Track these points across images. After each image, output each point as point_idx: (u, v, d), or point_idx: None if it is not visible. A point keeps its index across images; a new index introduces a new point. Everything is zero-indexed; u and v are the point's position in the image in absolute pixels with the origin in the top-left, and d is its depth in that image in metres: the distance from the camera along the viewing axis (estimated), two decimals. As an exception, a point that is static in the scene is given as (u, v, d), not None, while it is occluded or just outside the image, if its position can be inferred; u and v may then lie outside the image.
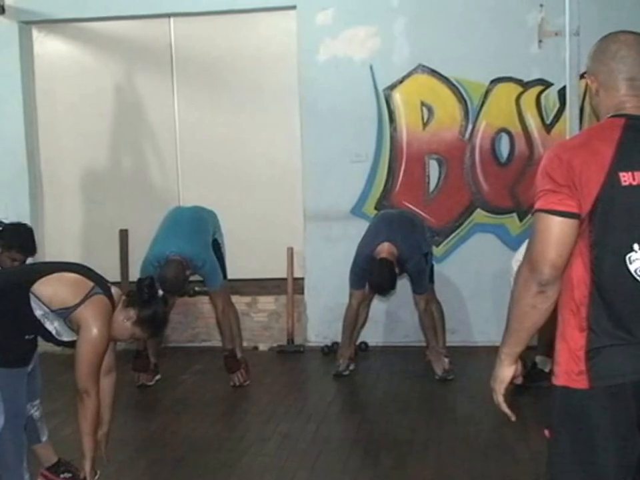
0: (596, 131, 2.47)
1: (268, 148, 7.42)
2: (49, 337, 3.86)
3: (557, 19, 6.61)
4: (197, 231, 6.11)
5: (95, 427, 3.89)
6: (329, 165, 7.17)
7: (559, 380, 2.43)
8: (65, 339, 3.86)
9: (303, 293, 7.38)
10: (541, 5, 6.78)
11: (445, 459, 4.72)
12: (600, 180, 2.31)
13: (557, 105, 6.81)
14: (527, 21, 6.84)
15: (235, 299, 6.67)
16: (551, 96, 6.86)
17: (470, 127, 7.04)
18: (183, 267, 5.80)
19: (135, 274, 7.46)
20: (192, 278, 6.58)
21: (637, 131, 2.39)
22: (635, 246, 2.34)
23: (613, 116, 2.45)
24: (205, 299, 7.23)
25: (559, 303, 2.43)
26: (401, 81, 7.08)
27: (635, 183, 2.33)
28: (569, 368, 2.39)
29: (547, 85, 6.88)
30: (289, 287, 7.32)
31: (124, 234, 7.55)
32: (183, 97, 7.53)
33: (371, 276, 6.01)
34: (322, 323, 7.30)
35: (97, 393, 3.81)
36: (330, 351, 7.06)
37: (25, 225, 5.33)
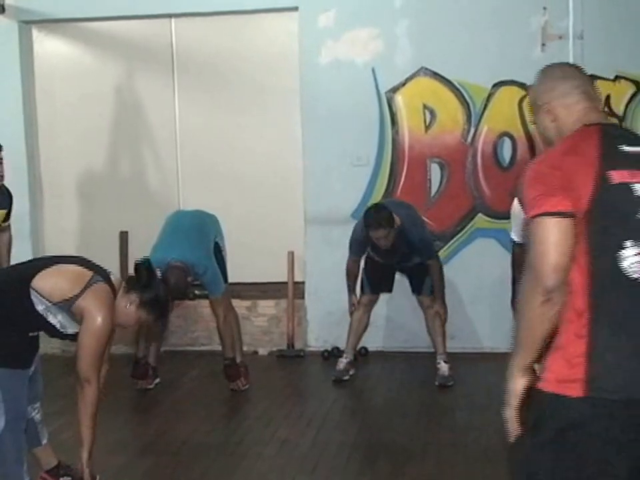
0: (576, 137, 2.48)
1: (269, 150, 7.39)
2: (53, 331, 3.83)
3: (561, 22, 6.60)
4: (199, 237, 6.07)
5: (94, 417, 3.85)
6: (330, 168, 7.13)
7: (548, 386, 2.37)
8: (70, 331, 3.83)
9: (303, 297, 7.35)
10: (545, 8, 6.73)
11: (444, 465, 4.69)
12: (591, 180, 2.33)
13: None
14: (531, 24, 6.80)
15: (235, 302, 6.63)
16: (554, 100, 6.81)
17: (472, 130, 7.00)
18: (184, 273, 5.76)
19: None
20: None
21: (612, 137, 2.45)
22: (627, 243, 2.33)
23: (581, 127, 2.50)
24: (205, 302, 7.16)
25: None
26: (403, 84, 7.04)
27: (622, 181, 2.36)
28: (562, 375, 2.34)
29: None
30: (289, 291, 7.28)
31: (124, 236, 7.52)
32: (184, 98, 7.50)
33: (367, 212, 6.08)
34: (322, 327, 7.26)
35: (97, 382, 3.80)
36: (330, 355, 7.03)
37: None
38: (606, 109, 6.73)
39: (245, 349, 6.65)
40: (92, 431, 3.88)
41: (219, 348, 6.32)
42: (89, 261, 3.97)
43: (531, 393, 2.42)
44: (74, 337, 3.85)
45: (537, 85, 2.67)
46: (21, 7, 7.38)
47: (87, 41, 7.61)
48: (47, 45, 7.64)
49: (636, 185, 2.38)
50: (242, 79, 7.39)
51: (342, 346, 6.83)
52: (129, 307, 3.91)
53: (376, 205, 6.27)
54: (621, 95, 6.81)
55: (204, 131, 7.49)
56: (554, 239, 2.31)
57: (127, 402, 6.09)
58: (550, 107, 2.59)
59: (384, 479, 4.55)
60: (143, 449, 5.12)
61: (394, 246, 6.03)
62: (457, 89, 6.99)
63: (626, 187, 2.36)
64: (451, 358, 6.37)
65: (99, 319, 3.72)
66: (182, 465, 4.80)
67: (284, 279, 7.32)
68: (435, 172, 7.06)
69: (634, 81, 6.79)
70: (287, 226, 7.39)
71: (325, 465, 4.74)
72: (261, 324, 7.39)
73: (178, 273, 5.67)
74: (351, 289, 6.50)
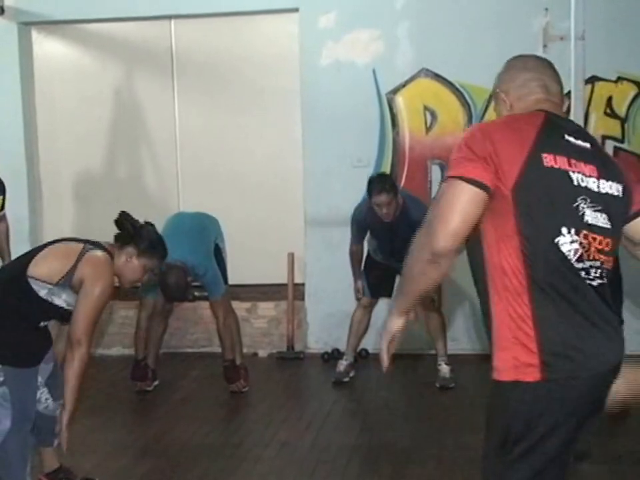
0: (520, 116, 2.52)
1: (269, 152, 7.37)
2: (62, 313, 3.80)
3: (562, 23, 6.54)
4: (200, 239, 6.04)
5: (80, 378, 3.79)
6: (331, 169, 7.11)
7: (506, 375, 2.37)
8: None
9: (303, 299, 7.32)
10: (546, 9, 6.71)
11: (444, 468, 4.67)
12: (522, 157, 2.32)
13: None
14: (532, 25, 6.78)
15: (235, 304, 6.60)
16: (555, 101, 6.79)
17: (473, 132, 6.96)
18: (184, 273, 5.73)
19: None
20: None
21: (557, 126, 2.45)
22: (563, 229, 2.34)
23: (534, 111, 2.52)
24: (205, 304, 7.13)
25: (490, 294, 2.41)
26: (403, 85, 7.02)
27: (556, 166, 2.35)
28: (518, 361, 2.34)
29: (551, 89, 6.80)
30: (289, 293, 7.26)
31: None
32: (183, 99, 7.48)
33: (371, 178, 6.04)
34: (322, 329, 7.24)
35: (88, 346, 3.74)
36: (330, 357, 7.00)
37: None
38: (608, 111, 6.72)
39: (244, 350, 6.63)
40: (75, 391, 3.81)
41: (219, 350, 6.30)
42: (77, 238, 3.97)
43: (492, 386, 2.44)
44: None
45: (500, 73, 2.69)
46: (20, 8, 7.36)
47: (87, 42, 7.60)
48: (46, 47, 7.63)
49: (576, 174, 2.38)
50: (242, 81, 7.37)
51: (342, 348, 6.81)
52: (130, 261, 3.92)
53: (380, 173, 6.38)
54: (622, 96, 6.79)
55: (204, 133, 7.46)
56: (460, 206, 2.29)
57: (126, 404, 6.07)
58: (507, 96, 2.61)
59: (384, 482, 4.53)
60: (142, 451, 5.10)
61: (395, 224, 5.91)
62: (458, 90, 6.97)
63: (563, 174, 2.36)
64: (452, 360, 6.34)
65: (96, 286, 3.71)
66: (181, 467, 4.79)
67: (284, 280, 7.30)
68: (435, 173, 7.03)
69: (636, 82, 6.77)
70: (287, 227, 7.37)
71: (324, 467, 4.71)
72: (260, 326, 7.36)
73: (177, 273, 5.65)
74: (356, 274, 6.49)
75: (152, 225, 4.22)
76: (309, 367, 7.02)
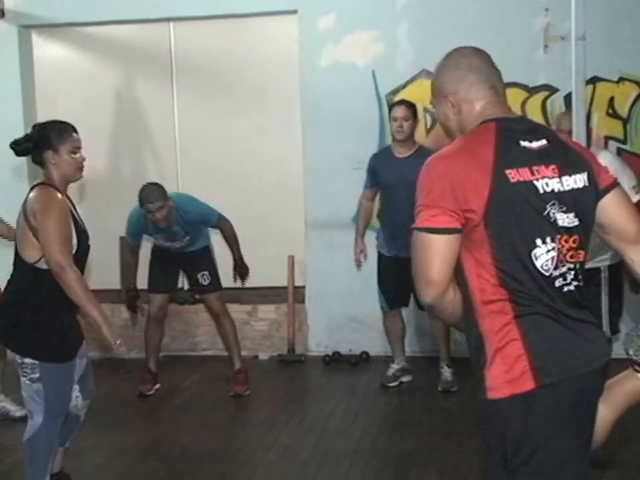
0: (471, 136, 2.46)
1: (269, 154, 7.34)
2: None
3: (563, 23, 6.51)
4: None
5: (88, 294, 3.76)
6: (331, 171, 7.08)
7: (500, 392, 2.39)
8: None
9: (303, 301, 7.29)
10: (547, 10, 6.68)
11: (447, 472, 4.65)
12: (487, 183, 2.29)
13: (563, 111, 6.70)
14: (533, 26, 6.75)
15: (235, 307, 6.59)
16: (556, 102, 6.76)
17: (474, 133, 6.93)
18: (161, 190, 5.85)
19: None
20: (192, 285, 6.51)
21: (509, 131, 2.41)
22: (538, 241, 2.33)
23: (481, 123, 2.46)
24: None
25: (475, 312, 2.40)
26: (404, 86, 6.99)
27: (521, 179, 2.33)
28: (509, 374, 2.35)
29: (552, 90, 6.79)
30: (289, 296, 7.24)
31: (124, 241, 7.45)
32: (183, 102, 7.46)
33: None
34: (323, 332, 7.21)
35: (71, 265, 3.72)
36: (331, 360, 6.98)
37: None
38: (610, 111, 6.69)
39: (245, 353, 6.62)
40: (94, 304, 3.76)
41: (220, 353, 6.30)
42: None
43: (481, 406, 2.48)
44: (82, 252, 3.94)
45: (442, 71, 2.60)
46: (20, 11, 7.35)
47: (87, 45, 7.58)
48: (46, 50, 7.61)
49: (540, 181, 2.36)
50: (242, 83, 7.34)
51: (343, 350, 6.80)
52: (56, 161, 3.90)
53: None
54: (624, 97, 6.75)
55: (204, 135, 7.45)
56: (435, 257, 2.33)
57: (127, 407, 6.05)
58: (455, 99, 2.55)
59: (386, 486, 4.51)
60: (142, 454, 5.09)
61: (411, 161, 5.90)
62: (458, 92, 6.92)
63: (528, 185, 2.34)
64: (455, 363, 6.30)
65: (42, 215, 3.74)
66: (182, 471, 4.79)
67: (284, 283, 7.28)
68: (436, 175, 6.99)
69: (638, 83, 6.73)
70: (288, 230, 7.35)
71: (326, 472, 4.70)
72: (261, 328, 7.34)
73: (151, 186, 5.82)
74: (359, 233, 6.47)
75: (34, 126, 4.12)
76: (310, 369, 7.00)
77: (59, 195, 3.82)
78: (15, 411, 5.60)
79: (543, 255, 2.33)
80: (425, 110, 6.95)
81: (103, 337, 3.80)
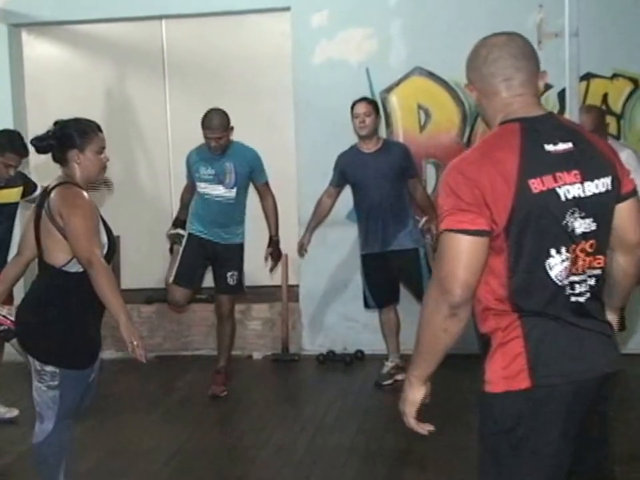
0: (494, 140, 2.40)
1: (262, 151, 7.28)
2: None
3: (557, 19, 6.48)
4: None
5: (114, 289, 3.66)
6: (324, 169, 7.02)
7: (497, 387, 2.40)
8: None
9: (297, 300, 7.27)
10: (540, 6, 6.66)
11: (442, 469, 4.64)
12: (511, 192, 2.26)
13: (557, 108, 6.69)
14: (526, 22, 6.71)
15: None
16: (550, 98, 6.74)
17: (468, 130, 6.94)
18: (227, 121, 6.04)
19: (126, 281, 7.40)
20: (218, 284, 6.35)
21: (534, 133, 2.35)
22: (552, 251, 2.31)
23: (504, 122, 2.41)
24: (198, 307, 7.14)
25: (480, 315, 2.42)
26: (397, 84, 6.98)
27: (544, 189, 2.29)
28: (507, 370, 2.37)
29: (546, 87, 6.74)
30: (283, 294, 7.20)
31: (116, 241, 7.42)
32: (176, 100, 7.45)
33: None
34: (317, 331, 7.19)
35: (99, 260, 3.61)
36: (326, 359, 6.95)
37: (9, 129, 5.47)
38: (603, 107, 6.67)
39: (239, 352, 6.61)
40: (120, 303, 3.64)
41: (213, 352, 6.26)
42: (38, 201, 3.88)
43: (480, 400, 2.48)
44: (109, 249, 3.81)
45: (468, 58, 2.54)
46: (10, 9, 7.31)
47: (77, 43, 7.56)
48: (36, 48, 7.58)
49: (562, 188, 2.32)
50: (234, 80, 7.32)
51: (337, 349, 6.77)
52: (80, 161, 3.79)
53: None
54: (618, 93, 6.75)
55: (196, 132, 7.34)
56: (464, 257, 2.28)
57: (120, 407, 6.01)
58: (474, 89, 2.51)
59: (381, 484, 4.48)
60: (135, 453, 5.06)
61: (378, 154, 6.09)
62: (452, 89, 6.92)
63: (551, 194, 2.30)
64: (453, 360, 6.26)
65: (70, 214, 3.63)
66: (176, 470, 4.79)
67: (278, 282, 7.24)
68: (429, 172, 6.99)
69: (631, 79, 6.73)
70: (281, 228, 7.26)
71: (320, 470, 4.69)
72: (255, 327, 7.30)
73: (216, 114, 6.03)
74: (309, 228, 6.55)
75: (56, 123, 4.01)
76: (304, 368, 6.97)
77: (85, 194, 3.76)
78: (5, 412, 5.55)
79: (558, 265, 2.32)
80: (419, 107, 6.94)
81: (121, 337, 3.73)
